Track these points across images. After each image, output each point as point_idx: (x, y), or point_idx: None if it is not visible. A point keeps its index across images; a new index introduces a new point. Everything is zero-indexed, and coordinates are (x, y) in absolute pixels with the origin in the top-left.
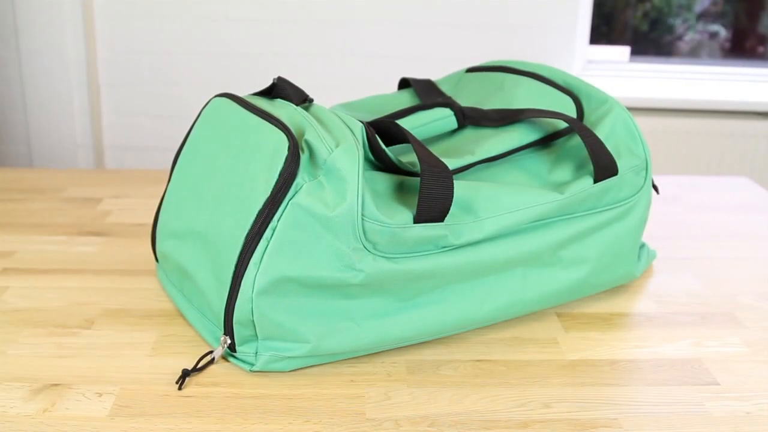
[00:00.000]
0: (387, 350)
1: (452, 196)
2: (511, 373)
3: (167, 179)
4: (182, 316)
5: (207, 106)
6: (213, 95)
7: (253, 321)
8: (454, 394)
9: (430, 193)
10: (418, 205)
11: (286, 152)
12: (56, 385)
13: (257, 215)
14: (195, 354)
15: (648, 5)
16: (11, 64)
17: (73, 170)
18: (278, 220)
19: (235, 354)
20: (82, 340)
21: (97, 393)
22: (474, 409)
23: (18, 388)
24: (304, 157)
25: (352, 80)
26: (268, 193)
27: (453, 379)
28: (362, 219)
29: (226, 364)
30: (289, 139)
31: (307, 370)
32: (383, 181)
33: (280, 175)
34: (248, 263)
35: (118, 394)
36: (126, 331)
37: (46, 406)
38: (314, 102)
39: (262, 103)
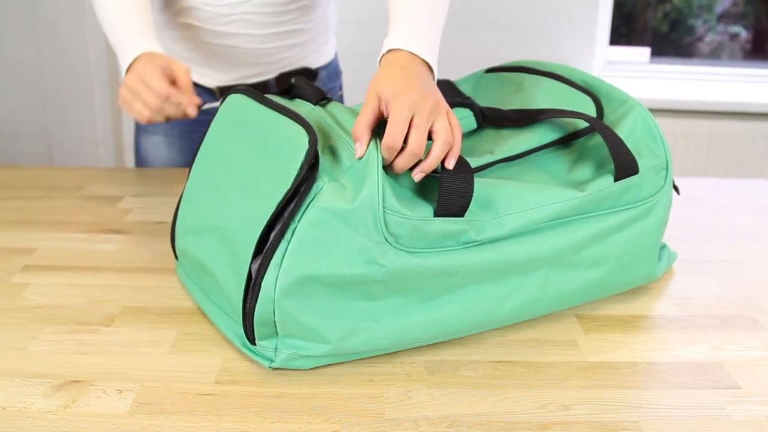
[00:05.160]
0: (406, 351)
1: (472, 190)
2: (531, 375)
3: (186, 177)
4: (202, 314)
5: (224, 104)
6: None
7: (274, 321)
8: (473, 395)
9: (450, 187)
10: (439, 199)
11: (306, 146)
12: (77, 381)
13: (276, 208)
14: (214, 352)
15: (668, 6)
16: (31, 62)
17: (93, 168)
18: (298, 222)
19: (254, 347)
20: (103, 338)
21: (117, 390)
22: (493, 411)
23: (39, 384)
24: (326, 161)
25: (370, 80)
26: (289, 185)
27: (472, 380)
28: (384, 211)
29: (246, 363)
30: (309, 133)
31: (326, 370)
32: (405, 177)
33: (301, 167)
34: (269, 264)
35: (138, 392)
36: (146, 329)
37: (67, 403)
38: (332, 100)
39: (282, 102)
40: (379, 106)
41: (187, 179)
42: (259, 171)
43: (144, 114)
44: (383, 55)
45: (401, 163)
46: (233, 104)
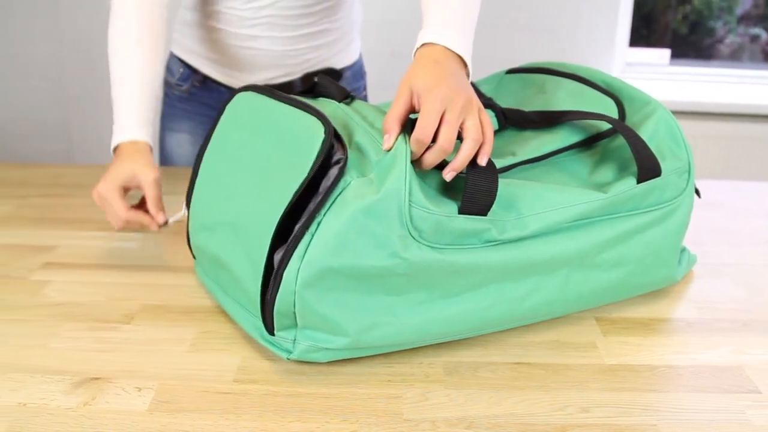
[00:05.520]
0: (425, 351)
1: (496, 190)
2: (550, 377)
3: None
4: (221, 312)
5: (231, 101)
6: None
7: (294, 312)
8: (491, 397)
9: (475, 186)
10: (463, 197)
11: (323, 135)
12: (96, 378)
13: (293, 197)
14: (233, 351)
15: (688, 8)
16: (52, 60)
17: None
18: (324, 215)
19: (273, 338)
20: (122, 335)
21: (136, 388)
22: (511, 412)
23: (59, 381)
24: (353, 157)
25: (396, 79)
26: (305, 174)
27: (491, 382)
28: (410, 205)
29: (265, 362)
30: (324, 124)
31: (345, 370)
32: (431, 175)
33: (317, 156)
34: (292, 255)
35: (157, 389)
36: (165, 327)
37: (87, 400)
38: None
39: (298, 97)
40: (411, 99)
41: (194, 178)
42: (272, 163)
43: (114, 226)
44: (417, 49)
45: (430, 159)
46: (240, 102)
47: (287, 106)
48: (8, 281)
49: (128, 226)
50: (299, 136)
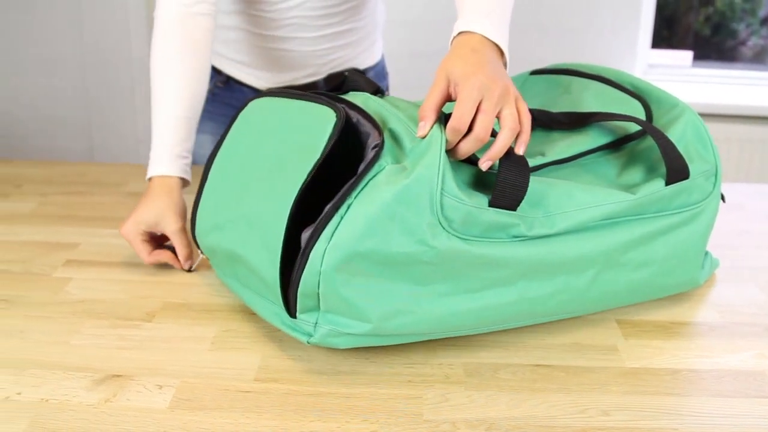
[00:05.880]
0: (445, 352)
1: (527, 185)
2: (570, 379)
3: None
4: (242, 311)
5: (244, 109)
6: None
7: (318, 293)
8: (512, 399)
9: (506, 179)
10: (494, 190)
11: (334, 118)
12: (118, 376)
13: (307, 176)
14: (254, 350)
15: (710, 9)
16: (74, 59)
17: (135, 165)
18: (355, 197)
19: (294, 321)
20: (144, 333)
21: (157, 385)
22: (532, 414)
23: (81, 378)
24: (388, 144)
25: (418, 80)
26: (318, 155)
27: (511, 384)
28: (441, 193)
29: (285, 361)
30: (335, 109)
31: (365, 369)
32: (463, 167)
33: (330, 137)
34: (319, 236)
35: (178, 387)
36: (186, 325)
37: (108, 397)
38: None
39: (317, 93)
40: (447, 88)
41: (203, 183)
42: (284, 154)
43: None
44: (454, 37)
45: (465, 147)
46: (253, 109)
47: (298, 101)
48: (31, 278)
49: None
50: (310, 124)
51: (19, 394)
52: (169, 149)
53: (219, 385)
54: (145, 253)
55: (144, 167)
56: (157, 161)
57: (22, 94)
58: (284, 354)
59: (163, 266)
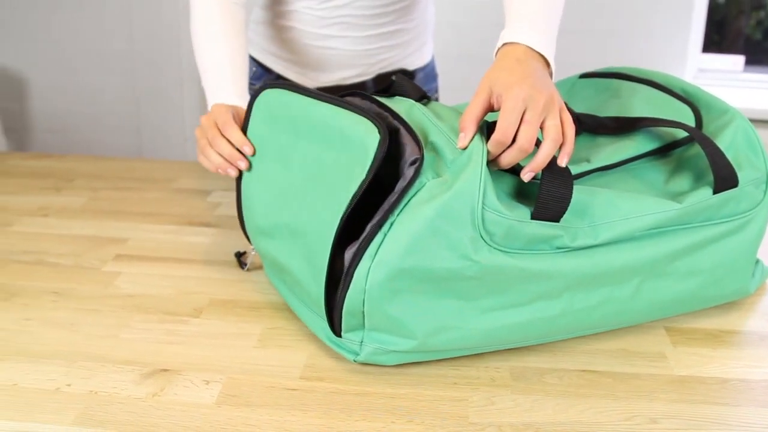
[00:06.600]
0: (491, 356)
1: (570, 197)
2: (618, 386)
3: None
4: (288, 309)
5: (257, 99)
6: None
7: (363, 312)
8: (558, 404)
9: (549, 192)
10: (537, 203)
11: (378, 136)
12: (165, 370)
13: (352, 200)
14: (300, 348)
15: (762, 13)
16: (125, 56)
17: (184, 162)
18: (398, 215)
19: (340, 340)
20: (191, 328)
21: (204, 381)
22: (578, 420)
23: (129, 371)
24: (429, 157)
25: (464, 81)
26: (363, 176)
27: (557, 388)
28: (483, 208)
29: (331, 360)
30: (377, 125)
31: (411, 370)
32: (506, 179)
33: (374, 160)
34: (363, 255)
35: (224, 383)
36: (233, 322)
37: (156, 391)
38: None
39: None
40: (489, 99)
41: (239, 179)
42: (325, 166)
43: (209, 164)
44: (499, 48)
45: (508, 158)
46: (269, 100)
47: (330, 105)
48: (81, 271)
49: (223, 166)
50: (351, 137)
51: (69, 385)
52: (232, 87)
53: (265, 382)
54: (238, 131)
55: (194, 164)
56: (222, 98)
57: (73, 91)
58: (330, 353)
59: (212, 263)
